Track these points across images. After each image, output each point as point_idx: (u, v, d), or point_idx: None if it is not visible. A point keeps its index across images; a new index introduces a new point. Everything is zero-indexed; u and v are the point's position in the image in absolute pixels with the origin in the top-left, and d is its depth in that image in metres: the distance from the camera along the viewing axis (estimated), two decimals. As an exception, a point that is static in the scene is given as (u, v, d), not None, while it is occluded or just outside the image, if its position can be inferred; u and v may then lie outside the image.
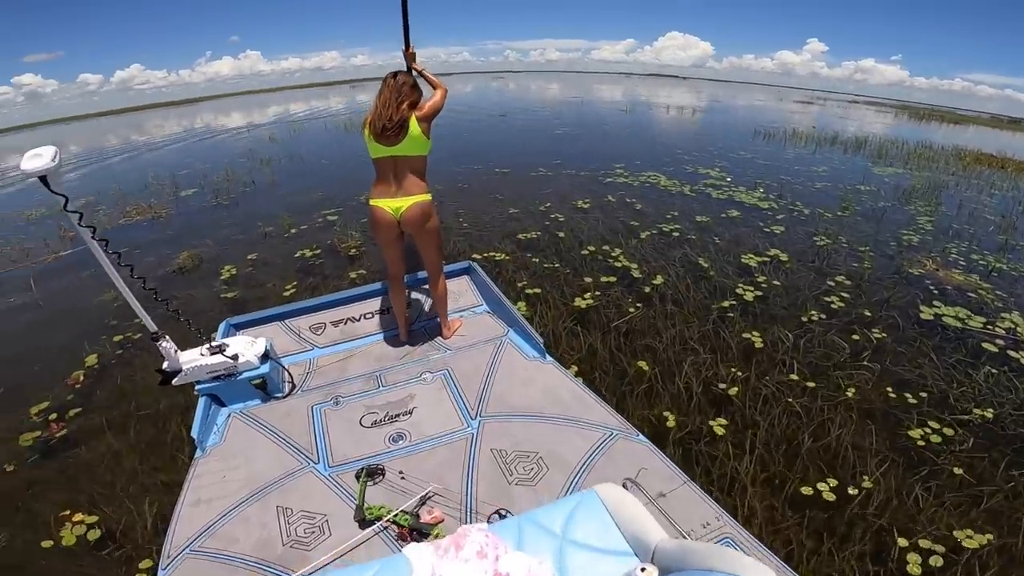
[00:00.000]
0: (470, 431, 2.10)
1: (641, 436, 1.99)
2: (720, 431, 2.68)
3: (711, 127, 17.61)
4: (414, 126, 2.28)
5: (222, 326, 2.78)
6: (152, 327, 2.11)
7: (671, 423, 2.74)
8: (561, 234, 5.54)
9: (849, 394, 2.99)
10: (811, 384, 3.07)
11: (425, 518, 1.66)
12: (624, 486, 1.47)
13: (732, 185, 7.85)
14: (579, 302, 4.13)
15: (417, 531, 1.62)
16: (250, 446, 2.12)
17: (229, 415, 2.32)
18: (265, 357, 2.36)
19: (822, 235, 5.78)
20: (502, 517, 1.64)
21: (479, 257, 4.99)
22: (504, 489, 1.81)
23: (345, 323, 2.99)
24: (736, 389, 3.01)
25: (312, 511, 1.77)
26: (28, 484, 2.62)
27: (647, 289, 4.36)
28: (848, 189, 8.20)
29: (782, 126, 17.15)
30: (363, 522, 1.68)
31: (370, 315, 3.05)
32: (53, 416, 3.07)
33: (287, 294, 4.45)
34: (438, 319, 2.87)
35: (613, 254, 5.04)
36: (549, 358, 2.57)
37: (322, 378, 2.58)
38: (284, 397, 2.44)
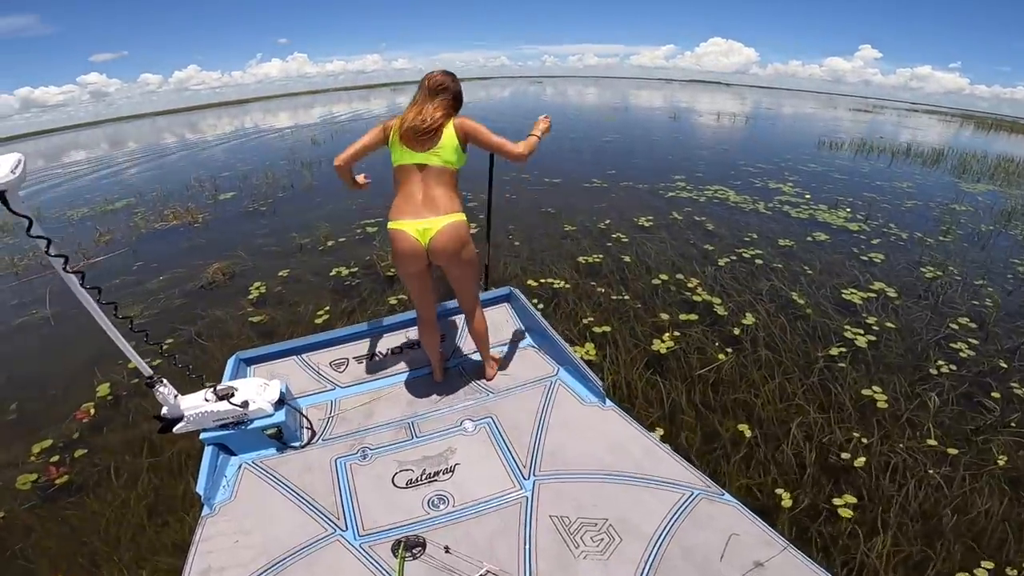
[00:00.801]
0: (524, 494, 1.81)
1: (727, 495, 1.73)
2: (846, 513, 2.19)
3: (768, 136, 16.48)
4: (450, 130, 1.96)
5: (231, 361, 2.46)
6: (147, 371, 1.82)
7: (785, 501, 2.24)
8: (627, 258, 4.87)
9: (1000, 463, 2.48)
10: (952, 451, 2.54)
11: None
12: None
13: (811, 203, 7.00)
14: (656, 344, 3.48)
15: None
16: (265, 505, 1.83)
17: (240, 466, 2.02)
18: (280, 403, 2.08)
19: (928, 265, 4.95)
20: None
21: (534, 284, 4.39)
22: (570, 565, 1.55)
23: (372, 359, 2.65)
24: (862, 460, 2.47)
25: None
26: (25, 532, 2.34)
27: (735, 330, 3.67)
28: (942, 209, 7.24)
29: (846, 136, 15.98)
30: None
31: (398, 351, 2.69)
32: (55, 458, 2.76)
33: (319, 320, 3.97)
34: (476, 355, 2.52)
35: (689, 285, 4.35)
36: (609, 403, 2.23)
37: (345, 425, 2.26)
38: (303, 446, 2.13)
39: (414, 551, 1.62)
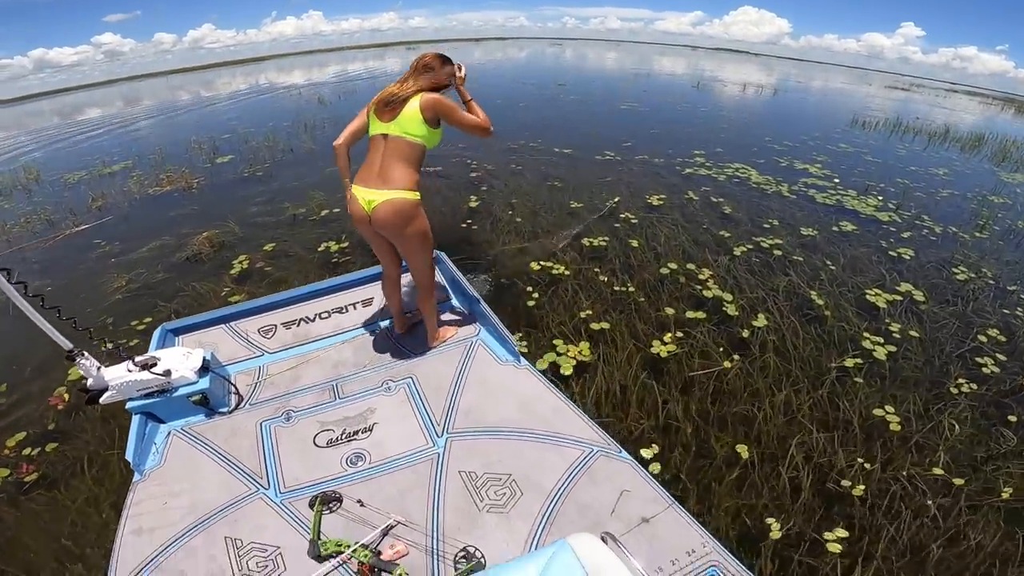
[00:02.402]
0: (436, 451, 1.94)
1: (624, 453, 1.86)
2: (835, 547, 2.04)
3: (798, 111, 15.57)
4: (415, 102, 1.97)
5: (157, 332, 2.53)
6: (66, 345, 1.87)
7: (774, 531, 2.07)
8: (634, 242, 4.51)
9: (1005, 495, 2.30)
10: (958, 481, 2.34)
11: (387, 554, 1.54)
12: (603, 539, 1.19)
13: (840, 187, 6.50)
14: (657, 346, 3.20)
15: (379, 569, 1.48)
16: (193, 469, 1.94)
17: (169, 433, 2.10)
18: (204, 370, 2.16)
19: (961, 265, 4.53)
20: (469, 557, 1.53)
21: (536, 267, 4.07)
22: (474, 517, 1.67)
23: (298, 324, 2.73)
24: (861, 488, 2.28)
25: (264, 543, 1.63)
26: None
27: (745, 333, 3.36)
28: (979, 200, 6.69)
29: (880, 114, 15.07)
30: (319, 557, 1.54)
31: (326, 315, 2.78)
32: (28, 451, 2.65)
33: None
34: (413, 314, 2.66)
35: (700, 276, 4.01)
36: (524, 362, 2.37)
37: (272, 389, 2.35)
38: (230, 412, 2.22)
39: (331, 505, 1.73)
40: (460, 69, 2.19)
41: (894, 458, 2.47)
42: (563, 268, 4.05)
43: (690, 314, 3.53)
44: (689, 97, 16.06)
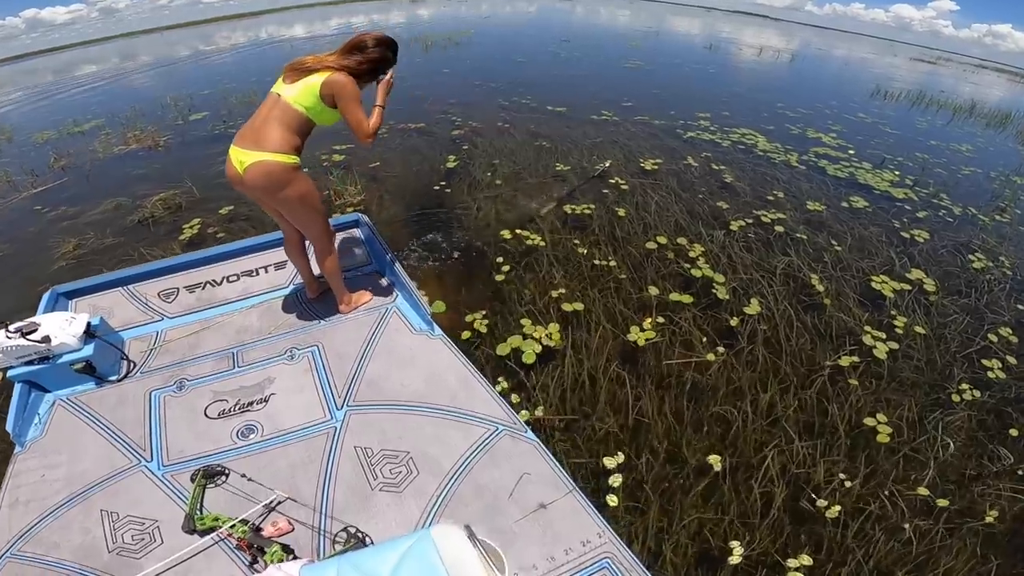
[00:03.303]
0: (333, 424, 1.86)
1: (529, 433, 1.80)
2: None
3: (816, 78, 14.67)
4: (318, 77, 1.90)
5: (47, 295, 2.38)
6: None
7: (735, 556, 1.86)
8: (621, 211, 4.09)
9: (989, 518, 2.08)
10: (942, 502, 2.12)
11: (269, 530, 1.48)
12: (470, 533, 1.10)
13: (854, 159, 6.00)
14: (635, 333, 2.85)
15: (257, 546, 1.42)
16: (75, 440, 1.86)
17: (53, 403, 2.00)
18: (89, 336, 2.05)
19: (978, 252, 4.12)
20: (352, 536, 1.47)
21: (507, 235, 3.68)
22: (365, 496, 1.61)
23: (203, 288, 2.57)
24: (836, 510, 2.05)
25: (141, 516, 1.58)
26: None
27: (734, 321, 3.02)
28: (1002, 180, 6.18)
29: (903, 86, 14.24)
30: (194, 532, 1.49)
31: (234, 278, 2.62)
32: None
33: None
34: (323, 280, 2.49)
35: (691, 253, 3.61)
36: (438, 331, 2.28)
37: (168, 356, 2.23)
38: (120, 380, 2.10)
39: (215, 479, 1.66)
40: (390, 76, 2.09)
41: (877, 471, 2.23)
42: (539, 238, 3.65)
43: (675, 296, 3.16)
44: (700, 58, 15.16)
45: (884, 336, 3.00)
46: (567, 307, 3.01)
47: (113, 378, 2.11)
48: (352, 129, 1.96)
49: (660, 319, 2.97)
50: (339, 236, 2.80)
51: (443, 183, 4.60)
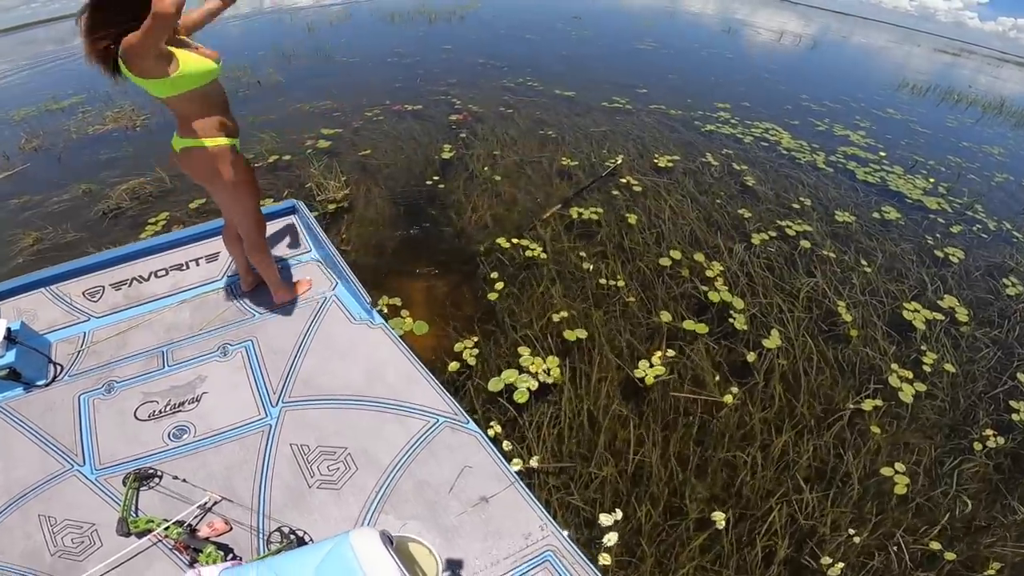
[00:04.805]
0: (268, 422, 1.82)
1: (472, 424, 1.77)
2: None
3: (840, 67, 13.96)
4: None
5: None
6: None
7: None
8: (632, 218, 3.68)
9: (990, 571, 1.96)
10: (949, 556, 1.98)
11: (204, 531, 1.48)
12: (386, 538, 1.14)
13: (885, 162, 5.54)
14: (643, 368, 2.51)
15: (192, 547, 1.43)
16: (8, 447, 1.82)
17: None
18: (11, 341, 2.00)
19: (1011, 275, 3.76)
20: (286, 536, 1.45)
21: (505, 244, 3.29)
22: (303, 494, 1.59)
23: (130, 285, 2.47)
24: (839, 567, 1.89)
25: (78, 520, 1.57)
26: None
27: (751, 356, 2.69)
28: (1037, 189, 5.77)
29: (928, 78, 13.61)
30: (129, 534, 1.49)
31: (163, 273, 2.52)
32: None
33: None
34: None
35: (708, 272, 3.23)
36: (379, 320, 2.22)
37: (96, 358, 2.17)
38: (47, 384, 2.06)
39: (148, 482, 1.65)
40: None
41: (887, 519, 2.07)
42: (539, 248, 3.26)
43: (688, 324, 2.81)
44: (717, 42, 14.46)
45: (911, 376, 2.70)
46: (569, 335, 2.65)
47: (40, 383, 2.06)
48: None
49: (671, 352, 2.62)
50: (275, 224, 2.71)
51: (436, 177, 4.17)
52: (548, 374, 2.44)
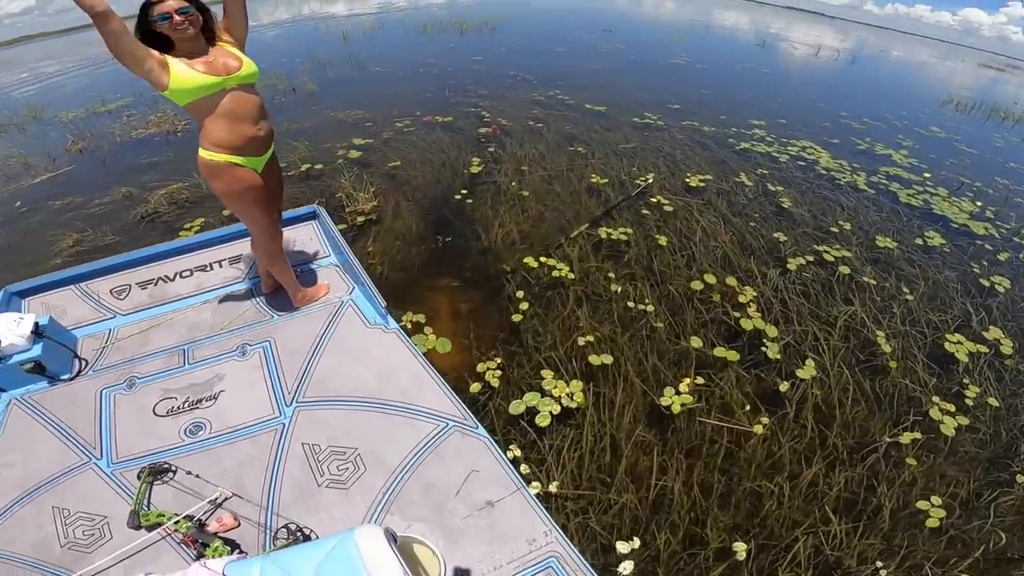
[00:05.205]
0: (281, 421, 1.85)
1: (481, 429, 1.78)
2: None
3: (881, 83, 13.51)
4: None
5: (0, 295, 2.39)
6: None
7: None
8: (662, 239, 3.59)
9: None
10: None
11: (213, 526, 1.50)
12: (390, 536, 1.13)
13: (929, 184, 5.31)
14: (669, 396, 2.44)
15: (200, 542, 1.46)
16: (29, 439, 1.88)
17: (9, 402, 2.03)
18: (39, 335, 2.07)
19: None
20: (292, 533, 1.47)
21: (534, 264, 3.24)
22: (312, 493, 1.62)
23: (155, 284, 2.56)
24: None
25: (91, 512, 1.62)
26: None
27: (783, 386, 2.59)
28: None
29: (971, 93, 13.10)
30: (140, 528, 1.53)
31: (187, 273, 2.59)
32: None
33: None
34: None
35: (740, 297, 3.12)
36: (393, 324, 2.25)
37: (119, 354, 2.22)
38: (72, 378, 2.12)
39: (162, 476, 1.68)
40: None
41: (917, 552, 1.98)
42: (567, 269, 3.20)
43: (719, 352, 2.72)
44: (751, 56, 14.23)
45: (953, 409, 2.57)
46: (594, 359, 2.59)
47: (65, 377, 2.11)
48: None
49: (700, 380, 2.54)
50: (296, 228, 2.80)
51: (464, 191, 4.17)
52: (571, 398, 2.39)
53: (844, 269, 3.54)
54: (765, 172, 4.97)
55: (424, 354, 2.13)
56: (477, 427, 1.78)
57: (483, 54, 10.60)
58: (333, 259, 2.69)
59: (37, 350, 2.03)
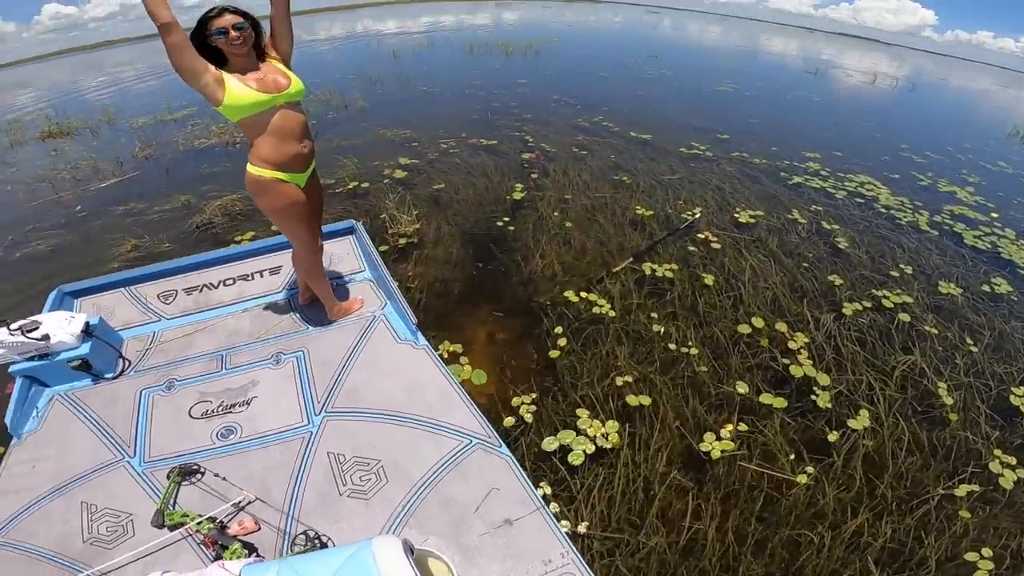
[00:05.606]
0: (309, 429, 1.88)
1: (504, 448, 1.78)
2: None
3: (942, 113, 12.94)
4: None
5: (53, 294, 2.47)
6: None
7: None
8: (708, 278, 3.46)
9: None
10: None
11: (234, 529, 1.51)
12: (407, 548, 1.16)
13: (996, 225, 4.98)
14: (709, 441, 2.35)
15: (220, 543, 1.48)
16: (67, 434, 1.93)
17: (52, 398, 2.09)
18: (88, 335, 2.14)
19: None
20: (310, 540, 1.49)
21: (575, 299, 3.18)
22: (333, 501, 1.64)
23: (200, 291, 2.64)
24: None
25: (117, 509, 1.65)
26: None
27: (832, 435, 2.45)
28: None
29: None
30: (163, 526, 1.55)
31: (230, 281, 2.68)
32: None
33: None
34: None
35: (791, 344, 2.96)
36: (423, 341, 2.26)
37: (162, 356, 2.30)
38: (115, 377, 2.18)
39: (190, 477, 1.71)
40: None
41: None
42: (607, 305, 3.12)
43: (765, 398, 2.60)
44: (803, 84, 13.87)
45: (1014, 462, 2.40)
46: (632, 400, 2.51)
47: (108, 376, 2.18)
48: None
49: (743, 426, 2.43)
50: (334, 243, 2.85)
51: (507, 219, 4.16)
52: (606, 439, 2.32)
53: (904, 316, 3.33)
54: (820, 209, 4.76)
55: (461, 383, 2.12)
56: (500, 445, 1.78)
57: (528, 77, 10.72)
58: (368, 274, 2.75)
59: (85, 349, 2.10)
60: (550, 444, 2.28)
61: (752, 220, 4.39)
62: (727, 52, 21.38)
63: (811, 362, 2.85)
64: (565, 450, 2.27)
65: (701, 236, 4.01)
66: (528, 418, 2.41)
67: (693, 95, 10.27)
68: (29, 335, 1.99)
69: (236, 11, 1.71)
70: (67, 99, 14.14)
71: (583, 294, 3.21)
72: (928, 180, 5.99)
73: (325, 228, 2.60)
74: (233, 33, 1.68)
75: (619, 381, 2.61)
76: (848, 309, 3.31)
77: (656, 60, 15.10)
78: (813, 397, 2.64)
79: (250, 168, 1.87)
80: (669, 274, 3.48)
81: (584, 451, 2.26)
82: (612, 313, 3.06)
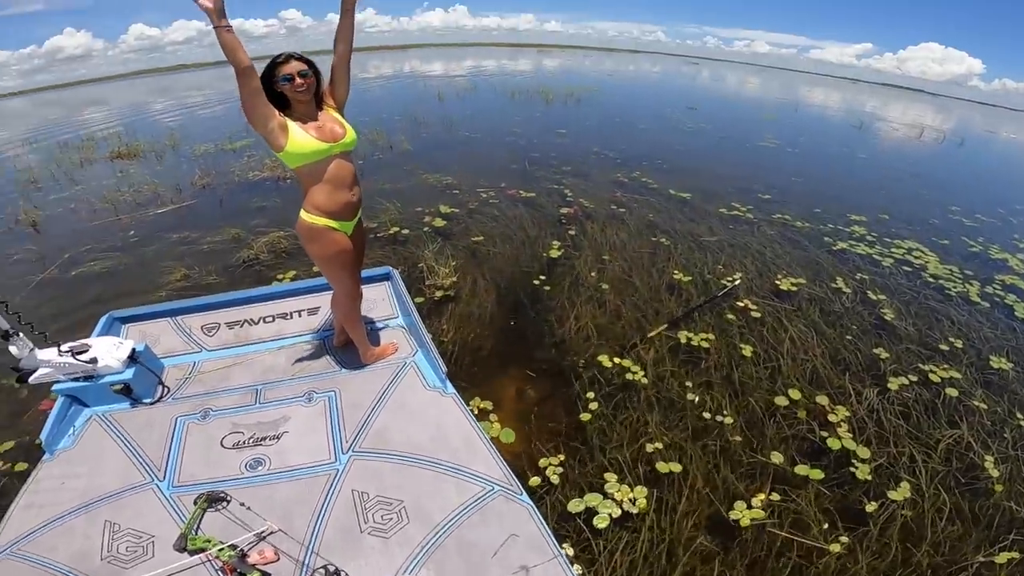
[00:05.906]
0: (336, 467, 1.93)
1: (525, 496, 1.80)
2: None
3: (990, 169, 12.54)
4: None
5: (103, 319, 2.60)
6: (3, 325, 1.94)
7: None
8: (746, 350, 3.41)
9: None
10: None
11: (254, 558, 1.55)
12: None
13: (1053, 297, 4.73)
14: (739, 510, 2.30)
15: (240, 571, 1.50)
16: (100, 454, 1.99)
17: (90, 418, 2.16)
18: (133, 361, 2.22)
19: None
20: (329, 574, 1.51)
21: (608, 363, 3.19)
22: (354, 538, 1.66)
23: (241, 325, 2.75)
24: None
25: (140, 530, 1.68)
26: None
27: (870, 505, 2.37)
28: None
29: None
30: (185, 550, 1.58)
31: (270, 319, 2.79)
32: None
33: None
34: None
35: (831, 417, 2.88)
36: (451, 389, 2.29)
37: (200, 386, 2.38)
38: (153, 403, 2.27)
39: (216, 504, 1.74)
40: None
41: None
42: (640, 372, 3.11)
43: (801, 469, 2.53)
44: (848, 139, 13.73)
45: None
46: (661, 467, 2.48)
47: (147, 401, 2.27)
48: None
49: (776, 496, 2.36)
50: (370, 288, 2.89)
51: (543, 276, 4.22)
52: (634, 503, 2.29)
53: (951, 391, 3.19)
54: (865, 277, 4.63)
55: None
56: (521, 493, 1.80)
57: (567, 127, 11.03)
58: (401, 320, 2.82)
59: (129, 374, 2.19)
60: (576, 506, 2.27)
61: (794, 288, 4.31)
62: (767, 104, 21.43)
63: (851, 435, 2.76)
64: (591, 512, 2.26)
65: (740, 304, 3.96)
66: (555, 479, 2.40)
67: (733, 151, 10.29)
68: (78, 357, 2.09)
69: (301, 58, 1.80)
70: (138, 119, 15.26)
71: (616, 359, 3.21)
72: (979, 246, 5.77)
73: (364, 272, 2.72)
74: (299, 80, 1.75)
75: (649, 447, 2.58)
76: (893, 384, 3.19)
77: (694, 112, 15.29)
78: (852, 469, 2.56)
79: (303, 215, 1.93)
80: (705, 343, 3.43)
81: (610, 514, 2.24)
82: (645, 380, 3.04)
